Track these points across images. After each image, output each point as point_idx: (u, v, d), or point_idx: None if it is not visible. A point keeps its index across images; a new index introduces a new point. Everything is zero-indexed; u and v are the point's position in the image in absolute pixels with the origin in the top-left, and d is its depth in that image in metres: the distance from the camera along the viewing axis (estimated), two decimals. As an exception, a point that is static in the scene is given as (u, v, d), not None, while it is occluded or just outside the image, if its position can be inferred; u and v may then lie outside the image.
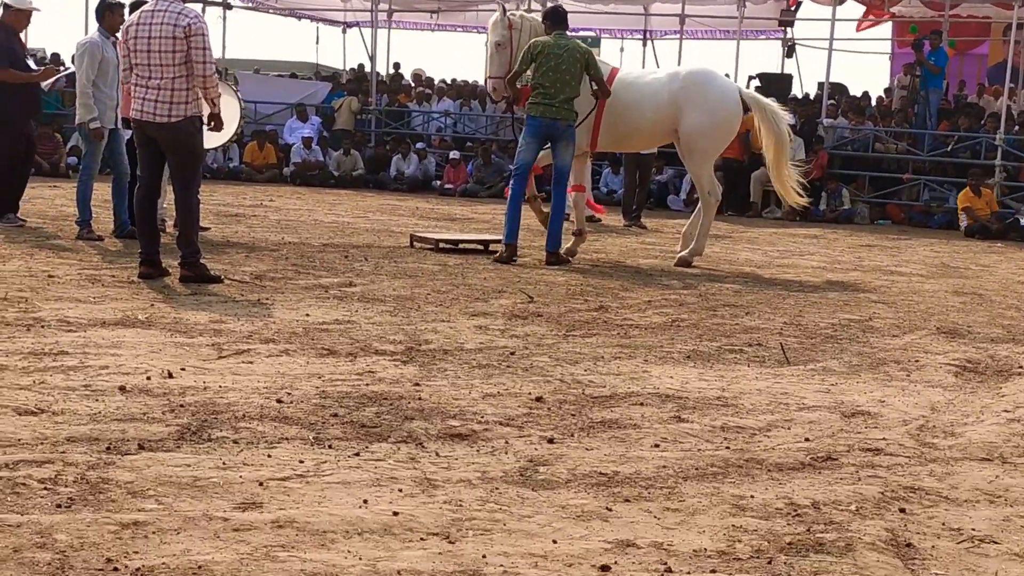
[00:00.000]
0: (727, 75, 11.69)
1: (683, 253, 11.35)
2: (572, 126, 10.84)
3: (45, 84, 12.03)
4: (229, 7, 25.36)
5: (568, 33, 11.09)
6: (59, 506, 3.78)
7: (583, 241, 11.78)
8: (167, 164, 8.81)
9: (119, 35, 8.64)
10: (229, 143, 12.01)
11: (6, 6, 11.73)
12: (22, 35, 12.12)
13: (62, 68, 12.46)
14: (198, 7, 24.33)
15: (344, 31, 30.86)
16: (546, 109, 10.80)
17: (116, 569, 3.31)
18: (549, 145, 10.93)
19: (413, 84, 26.24)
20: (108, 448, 4.38)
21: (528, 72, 10.86)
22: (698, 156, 11.34)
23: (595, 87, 10.86)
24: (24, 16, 11.70)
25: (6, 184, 11.49)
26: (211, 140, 11.86)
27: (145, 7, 8.71)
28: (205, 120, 8.94)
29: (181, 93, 8.50)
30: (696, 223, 11.50)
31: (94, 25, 11.32)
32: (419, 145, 21.86)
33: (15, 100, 11.33)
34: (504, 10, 11.65)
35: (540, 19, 11.52)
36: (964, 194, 17.60)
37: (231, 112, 11.77)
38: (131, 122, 8.89)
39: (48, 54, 23.52)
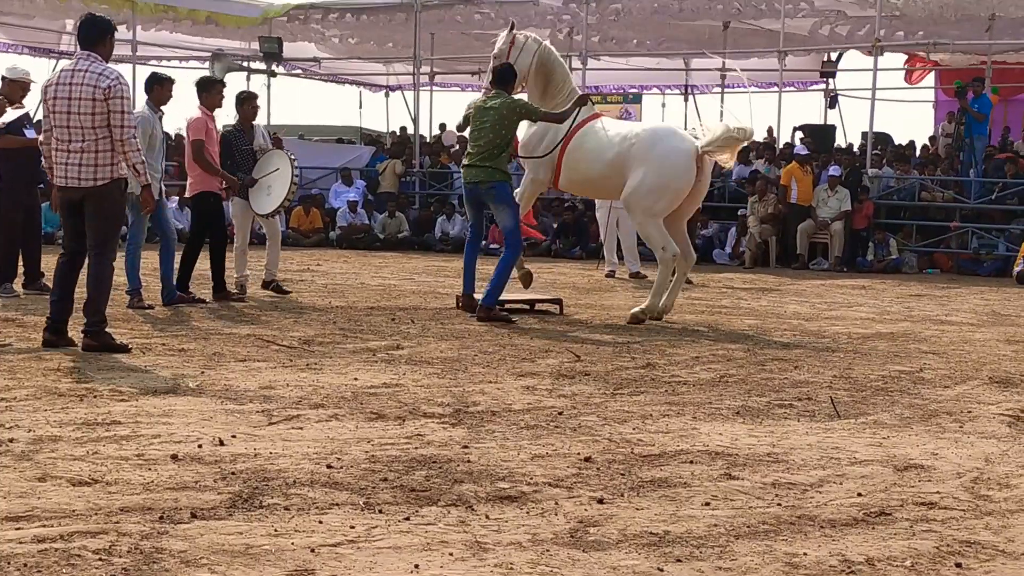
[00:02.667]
0: (693, 132, 11.39)
1: (635, 309, 10.93)
2: (498, 187, 10.68)
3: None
4: (274, 74, 25.74)
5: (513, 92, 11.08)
6: (113, 577, 3.81)
7: (530, 277, 11.85)
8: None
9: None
10: (281, 208, 12.15)
11: (2, 78, 11.92)
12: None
13: None
14: (243, 76, 24.83)
15: (387, 95, 31.22)
16: (466, 172, 10.91)
17: (170, 639, 3.33)
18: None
19: (453, 144, 26.46)
20: (161, 517, 4.41)
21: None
22: (637, 214, 11.05)
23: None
24: (19, 87, 11.81)
25: (4, 253, 11.59)
26: (266, 205, 12.01)
27: (65, 67, 8.41)
28: (137, 190, 8.83)
29: (105, 155, 8.17)
30: (678, 279, 11.17)
31: (140, 97, 11.52)
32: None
33: (12, 167, 11.40)
34: (512, 26, 11.74)
35: (544, 47, 11.58)
36: None
37: (283, 176, 11.92)
38: (55, 188, 8.49)
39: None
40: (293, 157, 12.19)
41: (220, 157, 11.89)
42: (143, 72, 15.99)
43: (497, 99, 10.78)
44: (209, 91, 11.71)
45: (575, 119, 11.11)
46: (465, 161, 10.97)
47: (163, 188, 11.11)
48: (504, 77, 10.96)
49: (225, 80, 12.44)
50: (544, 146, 11.30)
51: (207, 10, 24.03)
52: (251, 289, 12.45)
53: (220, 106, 11.92)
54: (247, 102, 12.41)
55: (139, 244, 11.09)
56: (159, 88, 11.05)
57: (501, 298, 11.13)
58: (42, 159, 8.71)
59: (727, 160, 11.19)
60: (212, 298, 11.59)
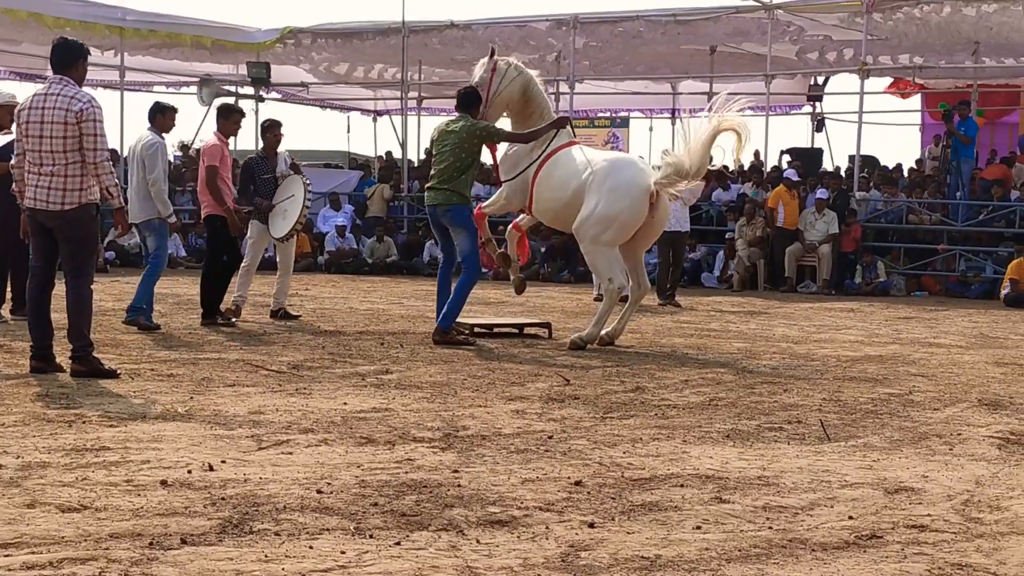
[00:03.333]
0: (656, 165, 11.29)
1: (574, 335, 10.80)
2: (454, 210, 10.62)
3: None
4: (262, 99, 25.74)
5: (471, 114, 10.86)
6: (103, 604, 3.79)
7: (518, 279, 11.73)
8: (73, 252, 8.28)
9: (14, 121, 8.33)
10: (295, 231, 12.17)
11: None
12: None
13: None
14: (231, 100, 24.84)
15: (375, 119, 31.27)
16: (427, 195, 10.93)
17: (161, 667, 3.30)
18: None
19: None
20: (151, 543, 4.39)
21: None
22: (585, 243, 10.85)
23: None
24: (6, 112, 11.64)
25: None
26: (281, 228, 12.07)
27: (38, 90, 8.37)
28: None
29: (75, 180, 8.10)
30: (630, 305, 11.17)
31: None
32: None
33: (0, 193, 11.08)
34: (493, 52, 11.58)
35: (526, 75, 11.40)
36: (1017, 263, 17.48)
37: (297, 201, 11.98)
38: (24, 210, 8.45)
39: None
40: (307, 182, 12.29)
41: (242, 184, 12.03)
42: (131, 98, 16.04)
43: (459, 122, 10.73)
44: (227, 118, 11.90)
45: (549, 144, 10.96)
46: (427, 184, 11.00)
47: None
48: (468, 100, 10.86)
49: (244, 110, 12.60)
50: (517, 169, 11.15)
51: (194, 35, 24.02)
52: (257, 315, 12.44)
53: (236, 134, 12.14)
54: (271, 130, 12.58)
55: (161, 270, 11.17)
56: (162, 117, 11.24)
57: (492, 322, 11.12)
58: (13, 183, 8.65)
59: (680, 192, 10.97)
60: (200, 323, 11.59)
